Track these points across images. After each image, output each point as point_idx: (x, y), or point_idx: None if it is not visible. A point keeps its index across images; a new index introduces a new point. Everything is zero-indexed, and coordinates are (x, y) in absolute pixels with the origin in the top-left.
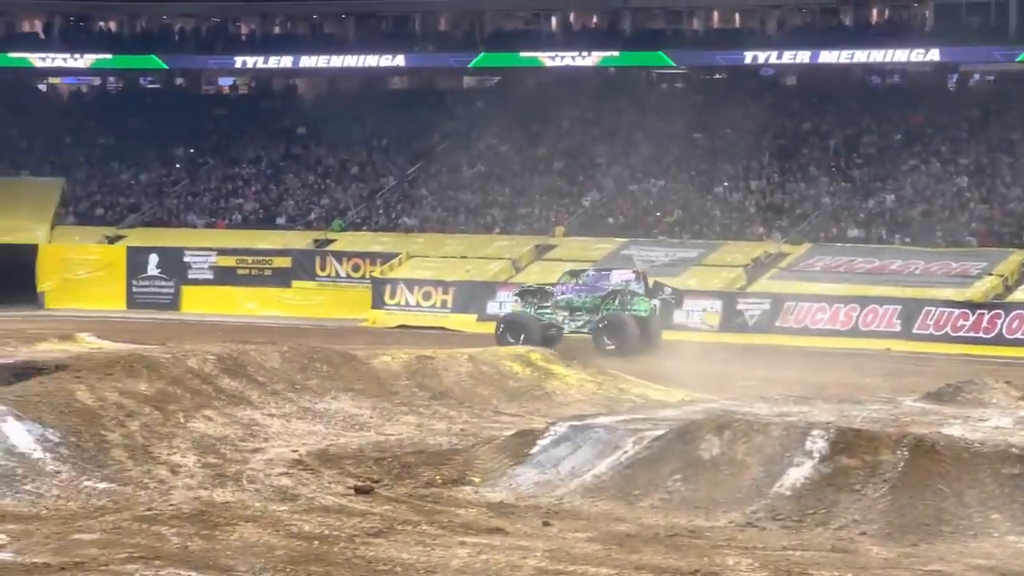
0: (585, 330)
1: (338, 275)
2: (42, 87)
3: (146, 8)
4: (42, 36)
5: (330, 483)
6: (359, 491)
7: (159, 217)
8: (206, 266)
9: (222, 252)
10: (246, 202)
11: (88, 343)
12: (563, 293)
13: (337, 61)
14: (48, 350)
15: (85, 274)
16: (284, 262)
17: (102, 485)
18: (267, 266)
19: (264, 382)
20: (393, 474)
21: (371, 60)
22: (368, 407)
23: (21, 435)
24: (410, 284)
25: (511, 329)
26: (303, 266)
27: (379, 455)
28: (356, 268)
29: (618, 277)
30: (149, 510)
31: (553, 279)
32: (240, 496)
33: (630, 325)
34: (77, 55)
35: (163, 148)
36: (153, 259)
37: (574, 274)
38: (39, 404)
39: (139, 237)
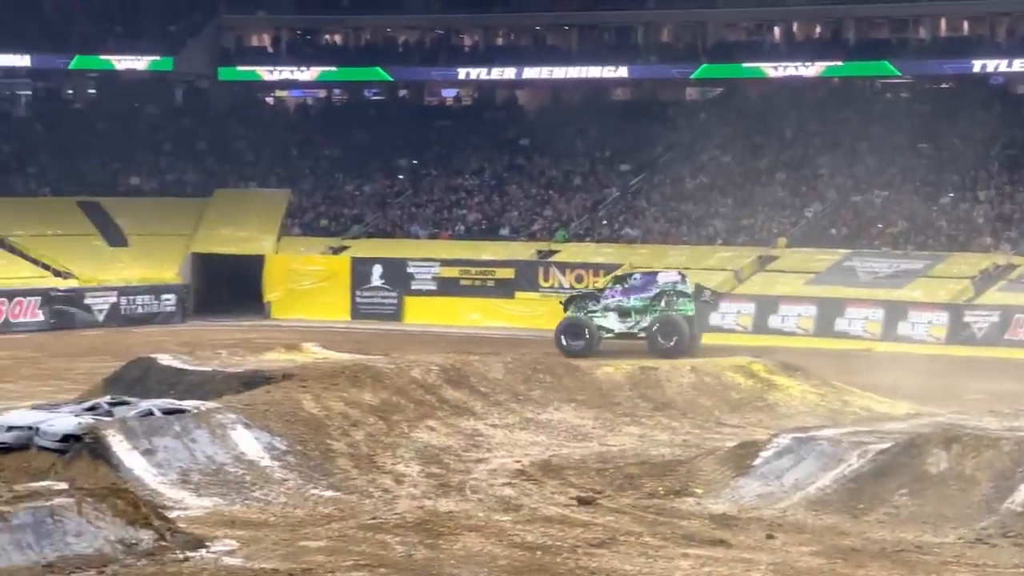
0: (635, 331)
1: (561, 286)
2: (269, 100)
3: (371, 21)
4: (270, 50)
5: (553, 493)
6: (582, 501)
7: (383, 228)
8: (429, 277)
9: (445, 263)
10: (469, 213)
11: (313, 353)
12: (612, 296)
13: (560, 72)
14: (275, 360)
15: (310, 284)
16: (507, 273)
17: (328, 493)
18: (490, 277)
19: (487, 393)
20: (615, 485)
21: (594, 71)
22: (590, 418)
23: (250, 443)
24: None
25: (571, 333)
26: (526, 277)
27: (601, 466)
28: (579, 279)
29: (664, 279)
30: (374, 518)
31: (775, 291)
32: (463, 506)
33: (684, 324)
34: (303, 68)
35: (387, 159)
36: (377, 270)
37: (620, 279)
38: (267, 413)
39: (363, 248)
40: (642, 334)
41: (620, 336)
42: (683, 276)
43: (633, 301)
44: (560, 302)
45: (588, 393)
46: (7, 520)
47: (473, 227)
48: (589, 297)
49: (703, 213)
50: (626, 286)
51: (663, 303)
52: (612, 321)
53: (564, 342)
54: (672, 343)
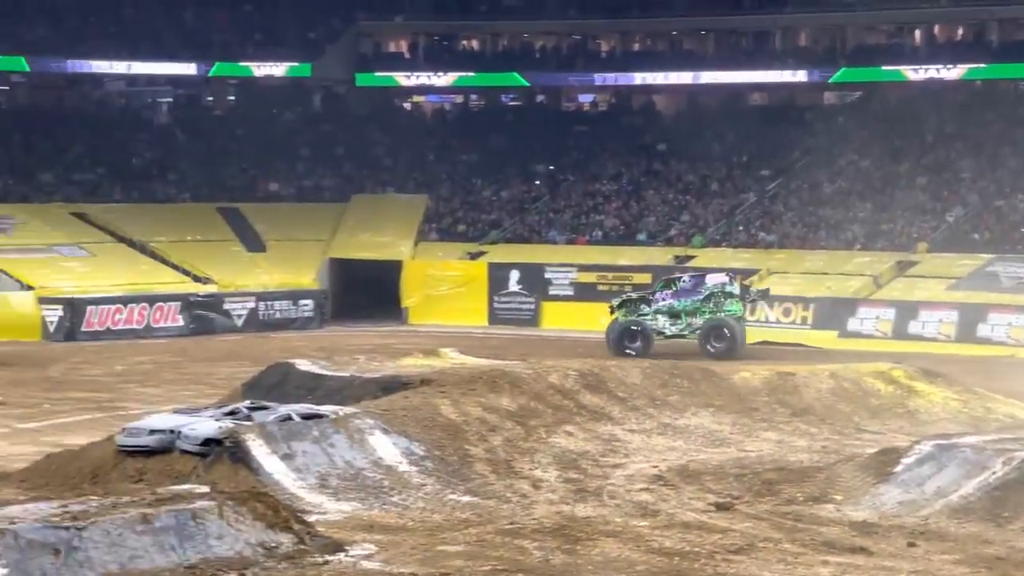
0: (686, 333)
1: None
2: (407, 106)
3: (508, 27)
4: (407, 56)
5: (690, 499)
6: (720, 507)
7: (520, 233)
8: (567, 282)
9: (583, 268)
10: (607, 218)
11: (451, 358)
12: (663, 300)
13: (697, 77)
14: (413, 365)
15: (447, 290)
16: (644, 278)
17: (466, 498)
18: (627, 282)
19: (625, 398)
20: (754, 491)
21: (731, 76)
22: (728, 423)
23: (388, 448)
24: (770, 300)
25: (630, 336)
26: None
27: (739, 471)
28: None
29: (712, 280)
30: (512, 524)
31: (915, 296)
32: (601, 511)
33: (734, 327)
34: (440, 73)
35: (524, 165)
36: (514, 275)
37: (670, 282)
38: (405, 418)
39: (500, 253)
40: (693, 336)
41: (670, 338)
42: (731, 277)
43: (683, 303)
44: (610, 305)
45: (725, 398)
46: (150, 522)
47: (610, 232)
48: (640, 300)
49: (841, 218)
50: (676, 288)
51: (712, 304)
52: (663, 323)
53: (618, 345)
54: (723, 345)
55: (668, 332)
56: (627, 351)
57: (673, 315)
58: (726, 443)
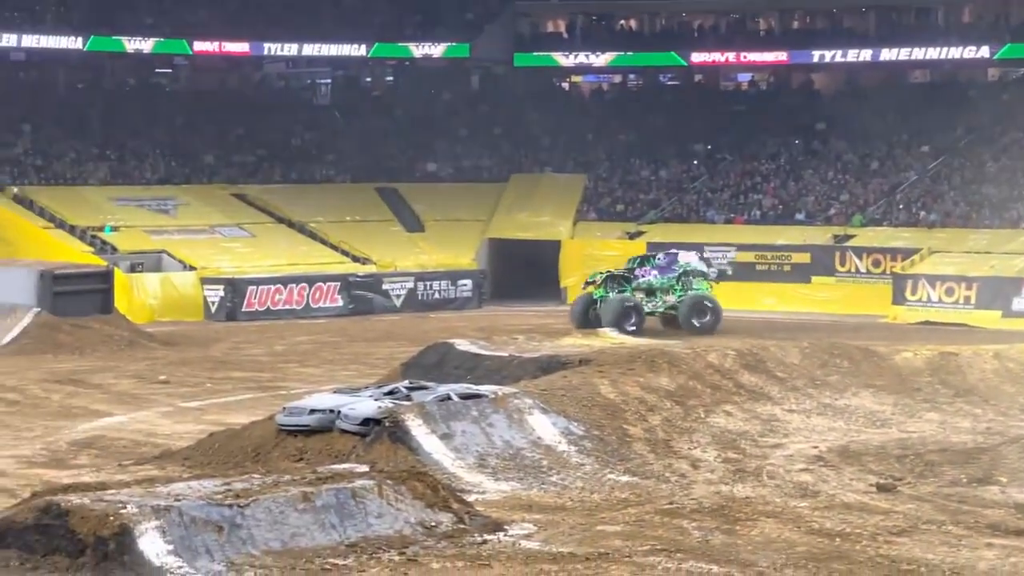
0: (659, 310)
1: (858, 271)
2: (564, 86)
3: (666, 6)
4: (565, 36)
5: (851, 480)
6: (881, 489)
7: (678, 213)
8: (725, 262)
9: (741, 248)
10: (765, 198)
11: (610, 338)
12: (643, 276)
13: (857, 55)
14: (571, 345)
15: (606, 269)
16: (803, 258)
17: (624, 478)
18: (786, 262)
19: (784, 378)
20: (916, 472)
21: (891, 54)
22: (889, 403)
23: (547, 428)
24: (932, 280)
25: (627, 314)
26: (822, 262)
27: (901, 452)
28: (876, 264)
29: (685, 258)
30: (670, 503)
31: None
32: (760, 491)
33: (716, 301)
34: (598, 53)
35: (682, 145)
36: None
37: (644, 259)
38: (564, 398)
39: (659, 233)
40: (668, 312)
41: (647, 315)
42: (700, 256)
43: (662, 280)
44: (590, 281)
45: (887, 379)
46: (311, 501)
47: (769, 212)
48: (622, 278)
49: (1006, 196)
50: (651, 266)
51: (682, 283)
52: (639, 300)
53: (621, 322)
54: (709, 319)
55: (646, 309)
56: (627, 329)
57: (649, 292)
58: (887, 424)
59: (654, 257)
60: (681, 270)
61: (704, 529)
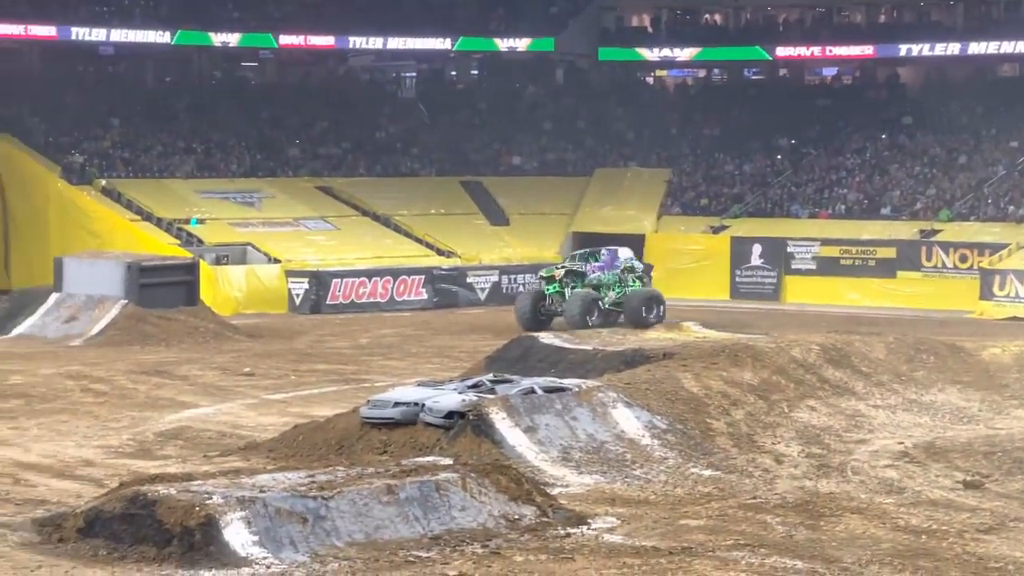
0: (607, 306)
1: (944, 266)
2: (648, 80)
3: (751, 0)
4: (650, 30)
5: (937, 476)
6: (968, 485)
7: (762, 207)
8: (809, 256)
9: (825, 242)
10: (850, 192)
11: (693, 332)
12: (593, 272)
13: (944, 49)
14: (655, 339)
15: (689, 264)
16: (888, 252)
17: (707, 472)
18: (871, 256)
19: (868, 373)
20: (1004, 469)
21: (980, 47)
22: (976, 400)
23: (630, 422)
24: (1020, 275)
25: (591, 309)
26: (908, 257)
27: (989, 449)
28: (963, 259)
29: (624, 255)
30: (754, 498)
31: None
32: (845, 487)
33: (662, 296)
34: (682, 47)
35: (766, 139)
36: (756, 249)
37: (587, 256)
38: (647, 392)
39: (742, 227)
40: (614, 308)
41: None
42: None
43: (609, 276)
44: (548, 277)
45: (974, 374)
46: (395, 493)
47: (853, 206)
48: (576, 273)
49: None
50: (596, 262)
51: (621, 279)
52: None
53: (583, 320)
54: (656, 313)
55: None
56: (590, 323)
57: (597, 288)
58: (974, 420)
59: (598, 253)
60: (622, 266)
61: (788, 524)
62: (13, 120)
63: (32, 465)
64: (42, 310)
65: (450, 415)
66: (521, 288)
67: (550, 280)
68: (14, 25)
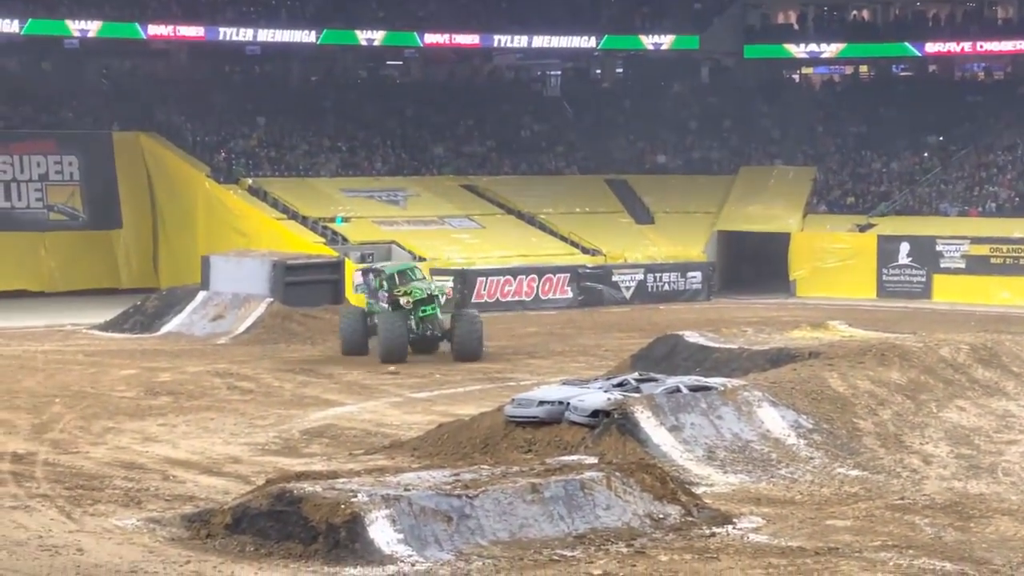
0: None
1: None
2: (794, 77)
3: None
4: (795, 27)
5: None
6: None
7: (910, 205)
8: (958, 255)
9: (975, 241)
10: (1000, 190)
11: (840, 331)
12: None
13: None
14: (801, 338)
15: (835, 262)
16: None
17: (854, 472)
18: (1022, 255)
19: (1020, 373)
20: None
21: None
22: None
23: (776, 421)
24: None
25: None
26: None
27: None
28: None
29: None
30: (902, 499)
31: None
32: (995, 488)
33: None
34: (829, 44)
35: (915, 136)
36: (904, 248)
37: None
38: (793, 391)
39: (890, 226)
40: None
41: None
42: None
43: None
44: (405, 298)
45: None
46: (539, 492)
47: (1004, 204)
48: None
49: None
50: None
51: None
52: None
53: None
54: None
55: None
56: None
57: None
58: None
59: (415, 269)
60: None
61: (936, 526)
62: (162, 120)
63: (181, 461)
64: (189, 308)
65: (595, 414)
66: (666, 287)
67: (426, 301)
68: (163, 26)
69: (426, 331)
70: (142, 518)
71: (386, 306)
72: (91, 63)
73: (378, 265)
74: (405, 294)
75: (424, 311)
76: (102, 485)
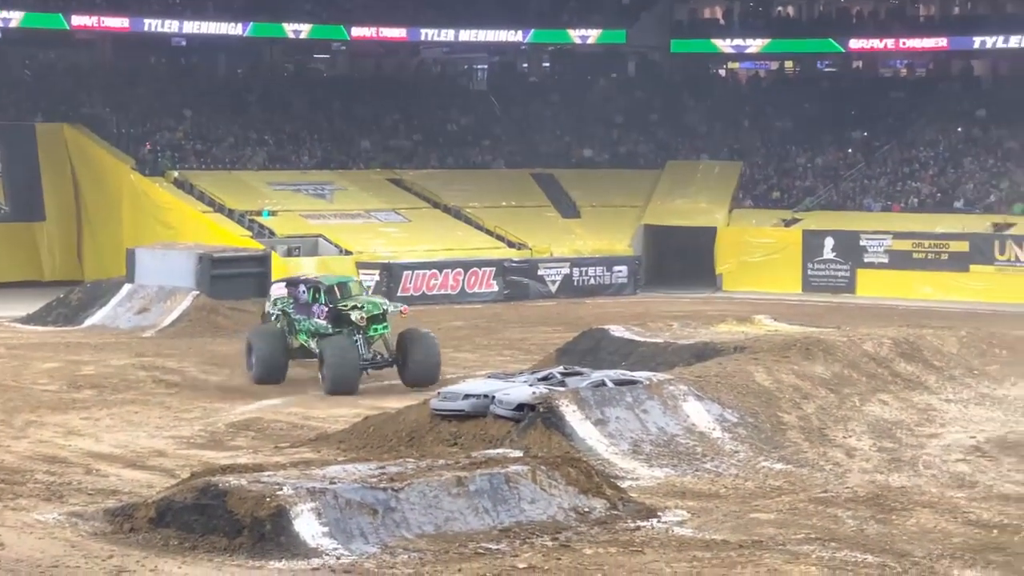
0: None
1: (1018, 259)
2: (720, 72)
3: None
4: (722, 22)
5: (1010, 471)
6: None
7: (834, 201)
8: (881, 250)
9: (898, 236)
10: (923, 185)
11: (765, 325)
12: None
13: (1019, 41)
14: (726, 332)
15: (761, 257)
16: (961, 246)
17: (778, 466)
18: (944, 250)
19: (941, 367)
20: None
21: None
22: None
23: (701, 415)
24: None
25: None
26: (981, 250)
27: None
28: None
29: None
30: (825, 492)
31: None
32: (916, 481)
33: None
34: (754, 40)
35: (839, 132)
36: (828, 242)
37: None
38: (718, 385)
39: (815, 221)
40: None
41: None
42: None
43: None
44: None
45: None
46: (465, 485)
47: (927, 200)
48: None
49: None
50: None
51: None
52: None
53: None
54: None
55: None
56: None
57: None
58: None
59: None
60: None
61: (859, 518)
62: (86, 112)
63: (104, 455)
64: (114, 301)
65: (520, 407)
66: (592, 281)
67: (379, 319)
68: (88, 17)
69: (376, 355)
70: (64, 512)
71: (323, 323)
72: (14, 54)
73: (309, 276)
74: (356, 308)
75: (375, 330)
76: (23, 479)
